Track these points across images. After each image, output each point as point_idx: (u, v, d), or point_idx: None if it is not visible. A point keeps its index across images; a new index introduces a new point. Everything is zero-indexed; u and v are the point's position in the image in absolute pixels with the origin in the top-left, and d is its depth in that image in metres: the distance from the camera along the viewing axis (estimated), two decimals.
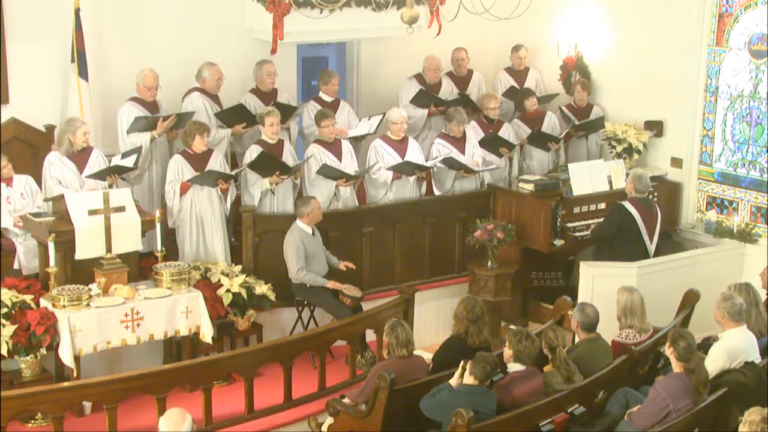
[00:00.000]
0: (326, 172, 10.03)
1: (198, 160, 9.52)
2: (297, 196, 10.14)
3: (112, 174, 9.23)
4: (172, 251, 9.56)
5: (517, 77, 12.24)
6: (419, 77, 11.60)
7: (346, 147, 10.41)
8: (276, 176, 9.72)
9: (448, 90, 11.75)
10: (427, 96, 11.34)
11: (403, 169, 10.42)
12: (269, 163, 9.70)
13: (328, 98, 10.99)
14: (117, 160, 9.41)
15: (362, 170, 10.45)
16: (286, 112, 10.47)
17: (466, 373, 6.91)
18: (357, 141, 10.99)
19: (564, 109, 11.74)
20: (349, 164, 10.33)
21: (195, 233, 9.56)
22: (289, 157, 9.98)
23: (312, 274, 9.35)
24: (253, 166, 9.66)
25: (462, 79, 12.07)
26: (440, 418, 6.95)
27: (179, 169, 9.47)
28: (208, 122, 10.04)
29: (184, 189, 9.46)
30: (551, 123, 11.61)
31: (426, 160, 10.72)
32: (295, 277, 9.39)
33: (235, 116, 10.24)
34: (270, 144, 9.86)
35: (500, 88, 12.13)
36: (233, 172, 9.71)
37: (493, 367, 6.93)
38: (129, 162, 9.32)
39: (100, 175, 9.20)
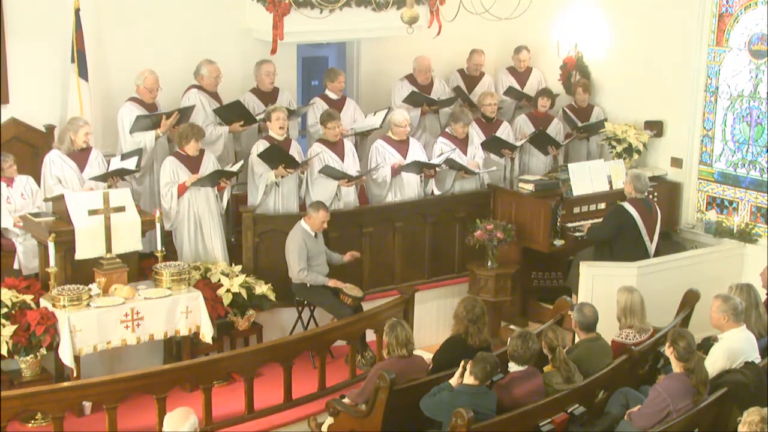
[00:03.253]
0: (328, 172, 10.04)
1: (192, 162, 9.51)
2: (304, 196, 10.16)
3: (114, 177, 9.24)
4: (169, 252, 9.56)
5: (519, 77, 12.25)
6: (410, 78, 11.61)
7: (349, 147, 10.42)
8: (282, 169, 9.72)
9: (440, 89, 11.75)
10: (419, 96, 11.34)
11: (412, 168, 10.43)
12: (279, 156, 9.70)
13: (334, 96, 11.02)
14: (117, 161, 9.41)
15: (364, 170, 10.45)
16: (287, 114, 10.48)
17: (467, 373, 6.91)
18: (363, 137, 11.00)
19: (565, 110, 11.74)
20: (351, 164, 10.34)
21: (193, 233, 9.56)
22: (295, 154, 9.99)
23: (313, 274, 9.36)
24: (263, 155, 9.66)
25: (473, 79, 12.09)
26: (440, 418, 6.95)
27: (174, 170, 9.45)
28: (205, 119, 10.06)
29: (181, 190, 9.46)
30: (557, 129, 11.61)
31: (428, 159, 10.73)
32: (297, 277, 9.39)
33: (233, 113, 10.24)
34: (278, 141, 9.88)
35: (501, 88, 12.14)
36: (236, 169, 9.69)
37: (493, 367, 6.93)
38: (131, 164, 9.33)
39: (102, 178, 9.21)
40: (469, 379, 6.89)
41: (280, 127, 9.83)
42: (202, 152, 9.61)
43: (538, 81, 12.34)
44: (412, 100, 11.32)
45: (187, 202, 9.50)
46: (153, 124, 9.77)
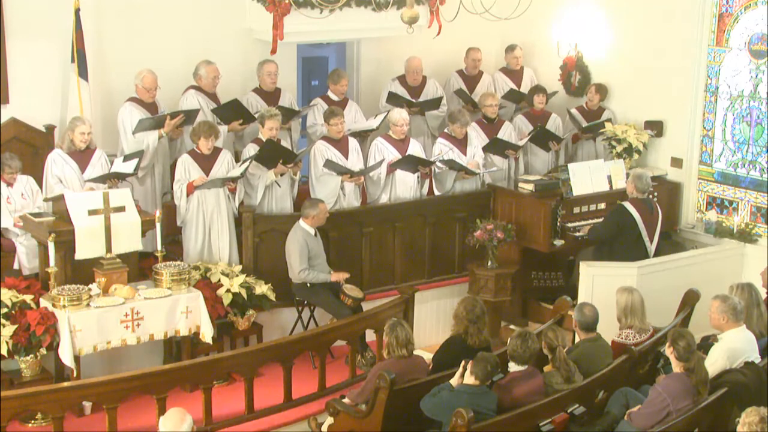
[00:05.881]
0: (331, 166, 10.05)
1: (206, 160, 9.52)
2: (296, 195, 10.15)
3: (112, 179, 9.24)
4: (177, 251, 9.59)
5: (513, 77, 12.25)
6: (402, 79, 11.60)
7: (353, 144, 10.41)
8: (281, 165, 9.70)
9: (432, 89, 11.73)
10: (398, 98, 11.32)
11: (405, 164, 10.42)
12: (275, 152, 9.68)
13: (336, 97, 11.02)
14: (119, 163, 9.41)
15: (367, 167, 10.42)
16: (289, 114, 10.49)
17: (467, 373, 6.91)
18: (363, 138, 10.98)
19: (573, 111, 11.72)
20: (355, 161, 10.35)
21: (201, 233, 9.54)
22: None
23: (314, 272, 9.36)
24: (258, 157, 9.65)
25: (472, 79, 12.08)
26: (440, 418, 6.95)
27: (186, 168, 9.47)
28: (204, 119, 10.03)
29: (189, 190, 9.46)
30: (555, 125, 11.61)
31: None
32: (297, 277, 9.39)
33: (232, 113, 10.23)
34: None
35: (497, 88, 12.12)
36: (239, 173, 9.68)
37: (494, 367, 6.93)
38: (129, 167, 9.33)
39: (99, 180, 9.21)
40: (469, 379, 6.89)
41: (272, 136, 9.78)
42: (218, 151, 9.61)
43: (531, 79, 12.33)
44: (392, 102, 11.30)
45: (196, 201, 9.49)
46: (156, 125, 9.78)
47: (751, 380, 7.35)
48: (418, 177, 10.60)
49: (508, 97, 11.96)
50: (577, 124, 11.65)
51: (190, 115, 9.88)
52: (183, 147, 10.04)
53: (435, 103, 11.49)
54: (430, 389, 7.08)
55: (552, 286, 10.68)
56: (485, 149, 11.01)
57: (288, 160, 9.76)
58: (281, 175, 9.83)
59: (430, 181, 10.85)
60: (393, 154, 10.47)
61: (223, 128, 10.20)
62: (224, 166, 9.59)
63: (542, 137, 11.30)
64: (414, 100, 11.44)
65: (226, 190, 9.58)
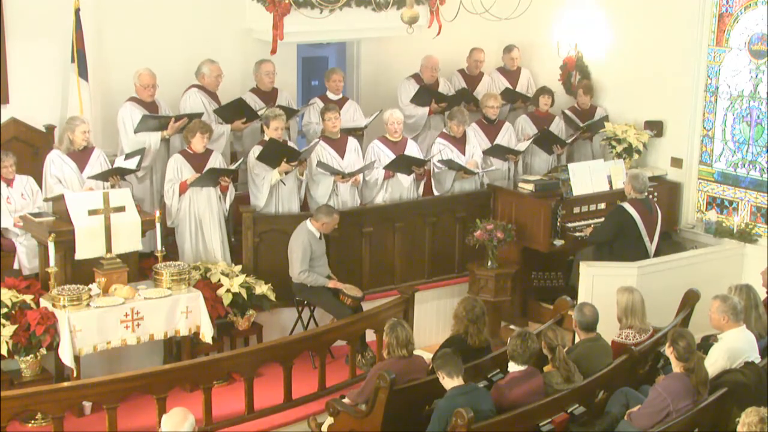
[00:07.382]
0: (323, 167, 10.05)
1: (197, 160, 9.52)
2: (304, 197, 10.16)
3: (114, 175, 9.25)
4: (172, 251, 9.57)
5: (510, 77, 12.25)
6: (417, 77, 11.60)
7: (352, 144, 10.39)
8: (285, 164, 9.71)
9: (445, 89, 11.74)
10: (428, 93, 11.32)
11: (399, 165, 10.40)
12: (278, 151, 9.68)
13: (334, 96, 11.02)
14: (120, 161, 9.42)
15: (359, 169, 10.42)
16: (287, 113, 10.49)
17: (446, 378, 6.85)
18: (359, 138, 10.98)
19: (567, 112, 11.72)
20: (353, 161, 10.33)
21: (194, 233, 9.56)
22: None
23: (314, 275, 9.37)
24: (262, 157, 9.65)
25: (473, 79, 12.08)
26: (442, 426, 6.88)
27: (178, 168, 9.48)
28: (206, 119, 10.04)
29: (182, 189, 9.46)
30: (558, 128, 11.60)
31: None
32: (297, 278, 9.39)
33: (234, 112, 10.23)
34: None
35: (495, 89, 12.11)
36: (233, 166, 9.66)
37: (457, 359, 6.84)
38: (132, 164, 9.33)
39: (102, 177, 9.21)
40: (453, 382, 6.83)
41: (278, 137, 9.78)
42: (209, 152, 9.61)
43: (527, 80, 12.33)
44: (420, 99, 11.28)
45: (188, 200, 9.50)
46: (160, 126, 9.78)
47: (751, 380, 7.35)
48: (413, 179, 10.57)
49: (502, 96, 11.95)
50: (574, 125, 11.64)
51: (193, 119, 9.88)
52: (183, 147, 10.02)
53: (459, 97, 11.46)
54: (430, 389, 7.06)
55: (552, 286, 10.68)
56: (486, 153, 11.01)
57: (291, 158, 9.76)
58: (286, 173, 9.82)
59: (429, 181, 10.84)
60: (389, 157, 10.44)
61: (226, 128, 10.22)
62: (216, 165, 9.57)
63: (547, 140, 11.29)
64: (446, 95, 11.41)
65: (217, 191, 9.58)
